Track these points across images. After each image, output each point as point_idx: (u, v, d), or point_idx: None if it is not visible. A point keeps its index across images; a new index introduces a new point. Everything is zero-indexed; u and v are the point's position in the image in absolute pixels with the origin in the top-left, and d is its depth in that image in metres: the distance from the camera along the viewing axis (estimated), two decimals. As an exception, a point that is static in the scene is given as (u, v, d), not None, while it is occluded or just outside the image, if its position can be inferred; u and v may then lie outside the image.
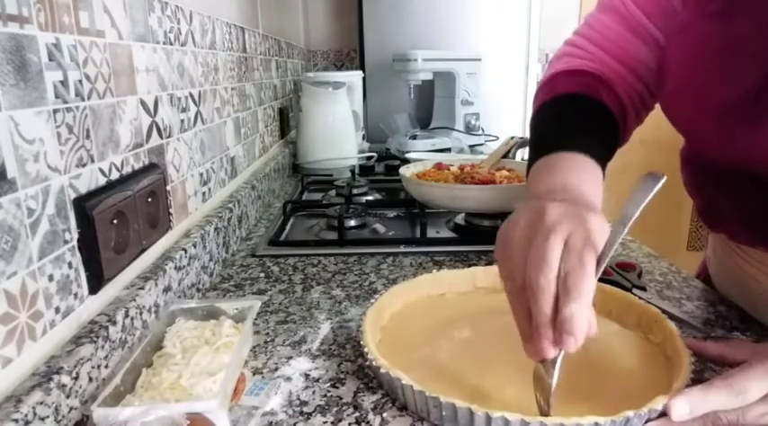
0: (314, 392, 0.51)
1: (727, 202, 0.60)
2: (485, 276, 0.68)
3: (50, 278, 0.45)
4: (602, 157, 0.56)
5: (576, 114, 0.61)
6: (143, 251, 0.61)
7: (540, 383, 0.43)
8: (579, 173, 0.53)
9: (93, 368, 0.46)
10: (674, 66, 0.55)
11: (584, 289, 0.39)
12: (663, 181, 0.42)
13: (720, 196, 0.61)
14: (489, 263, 0.82)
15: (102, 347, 0.48)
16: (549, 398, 0.42)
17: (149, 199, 0.62)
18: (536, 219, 0.43)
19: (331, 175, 1.42)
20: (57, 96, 0.47)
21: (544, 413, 0.43)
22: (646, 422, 0.42)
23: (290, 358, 0.57)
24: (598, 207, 0.48)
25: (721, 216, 0.63)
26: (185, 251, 0.69)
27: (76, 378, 0.44)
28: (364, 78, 1.82)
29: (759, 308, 0.65)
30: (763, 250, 0.60)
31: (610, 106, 0.60)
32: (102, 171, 0.54)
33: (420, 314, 0.62)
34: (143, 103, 0.64)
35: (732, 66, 0.48)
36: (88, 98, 0.52)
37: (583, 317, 0.38)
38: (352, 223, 1.02)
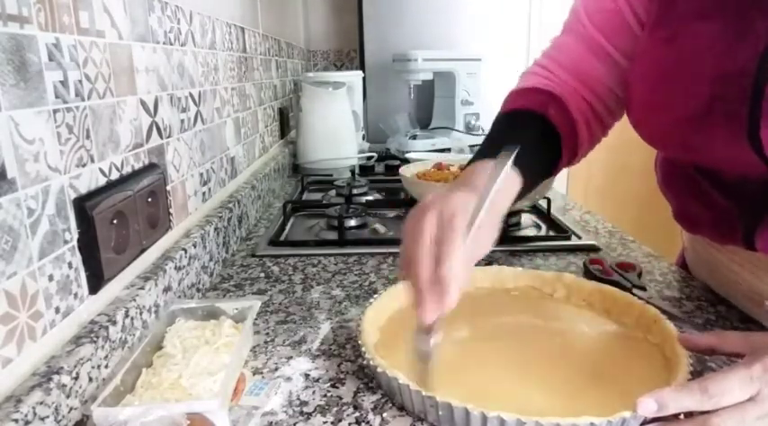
0: (314, 392, 0.51)
1: (697, 205, 0.64)
2: (484, 276, 0.69)
3: (50, 278, 0.45)
4: (522, 164, 0.59)
5: (509, 128, 0.66)
6: (143, 251, 0.61)
7: (419, 353, 0.47)
8: (482, 173, 0.55)
9: (93, 368, 0.46)
10: (637, 87, 0.61)
11: (454, 252, 0.43)
12: (512, 157, 0.49)
13: (691, 199, 0.65)
14: (488, 263, 0.82)
15: (102, 347, 0.48)
16: (428, 368, 0.47)
17: (149, 199, 0.62)
18: (419, 207, 0.49)
19: (331, 175, 1.42)
20: (57, 96, 0.47)
21: (425, 383, 0.46)
22: (642, 423, 0.42)
23: (290, 358, 0.57)
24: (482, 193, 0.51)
25: (694, 218, 0.67)
26: (185, 251, 0.69)
27: (76, 378, 0.44)
28: (364, 78, 1.82)
29: (735, 296, 0.67)
30: (735, 246, 0.62)
31: (554, 121, 0.64)
32: (102, 171, 0.54)
33: (420, 314, 0.62)
34: (143, 103, 0.64)
35: (683, 85, 0.54)
36: (88, 98, 0.52)
37: (456, 275, 0.43)
38: (352, 223, 1.02)
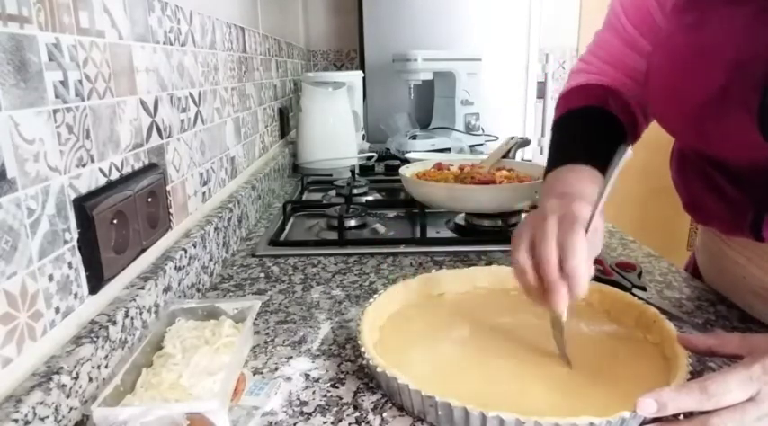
0: (314, 392, 0.51)
1: (709, 196, 0.65)
2: (484, 276, 0.69)
3: (50, 278, 0.45)
4: (604, 162, 0.63)
5: (584, 128, 0.71)
6: (143, 251, 0.61)
7: (556, 329, 0.54)
8: (580, 180, 0.62)
9: (93, 368, 0.46)
10: (656, 72, 0.62)
11: (578, 248, 0.49)
12: (627, 153, 0.49)
13: (703, 190, 0.66)
14: (489, 263, 0.82)
15: (102, 347, 0.48)
16: (562, 340, 0.54)
17: (149, 199, 0.62)
18: (537, 214, 0.56)
19: (331, 175, 1.42)
20: (57, 96, 0.47)
21: (562, 353, 0.54)
22: (641, 423, 0.42)
23: (290, 358, 0.57)
24: (591, 199, 0.56)
25: (705, 209, 0.68)
26: (185, 251, 0.69)
27: (76, 378, 0.44)
28: (364, 78, 1.82)
29: (741, 293, 0.67)
30: (743, 238, 0.62)
31: (616, 113, 0.70)
32: (102, 171, 0.54)
33: (419, 313, 0.62)
34: (143, 103, 0.64)
35: (700, 69, 0.55)
36: (88, 98, 0.52)
37: (582, 268, 0.49)
38: (352, 223, 1.02)
